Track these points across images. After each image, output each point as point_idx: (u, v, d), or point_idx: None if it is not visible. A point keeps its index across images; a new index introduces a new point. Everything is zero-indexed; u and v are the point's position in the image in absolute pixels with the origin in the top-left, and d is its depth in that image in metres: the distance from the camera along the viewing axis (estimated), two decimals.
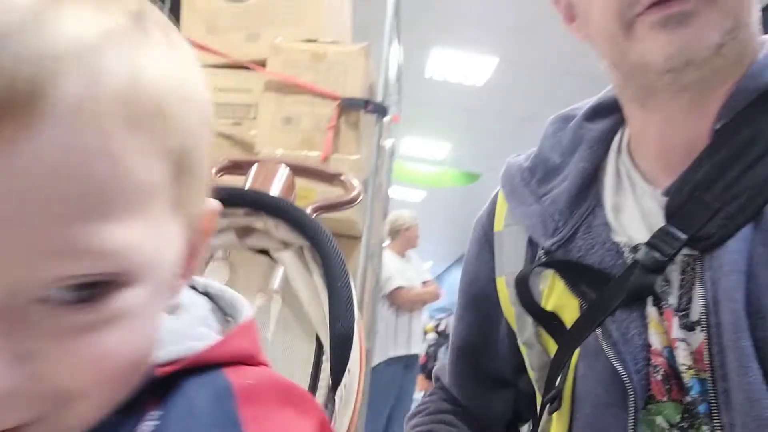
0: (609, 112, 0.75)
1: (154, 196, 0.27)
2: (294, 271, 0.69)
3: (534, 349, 0.74)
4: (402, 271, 3.72)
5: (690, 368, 0.60)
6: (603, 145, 0.74)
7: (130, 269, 0.26)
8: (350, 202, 1.04)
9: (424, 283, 3.91)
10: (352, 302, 0.64)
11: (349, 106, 1.74)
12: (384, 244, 3.74)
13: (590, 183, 0.72)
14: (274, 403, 0.33)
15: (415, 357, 3.85)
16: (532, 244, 0.74)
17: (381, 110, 1.82)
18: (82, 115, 0.23)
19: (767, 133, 0.59)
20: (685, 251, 0.61)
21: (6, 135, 0.21)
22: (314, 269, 0.68)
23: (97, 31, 0.24)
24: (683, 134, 0.65)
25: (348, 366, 0.60)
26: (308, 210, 0.90)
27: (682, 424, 0.60)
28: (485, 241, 0.82)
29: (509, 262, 0.76)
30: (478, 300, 0.82)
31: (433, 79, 5.89)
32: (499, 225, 0.79)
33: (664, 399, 0.61)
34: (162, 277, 0.29)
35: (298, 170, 1.00)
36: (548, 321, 0.70)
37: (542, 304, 0.71)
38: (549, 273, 0.70)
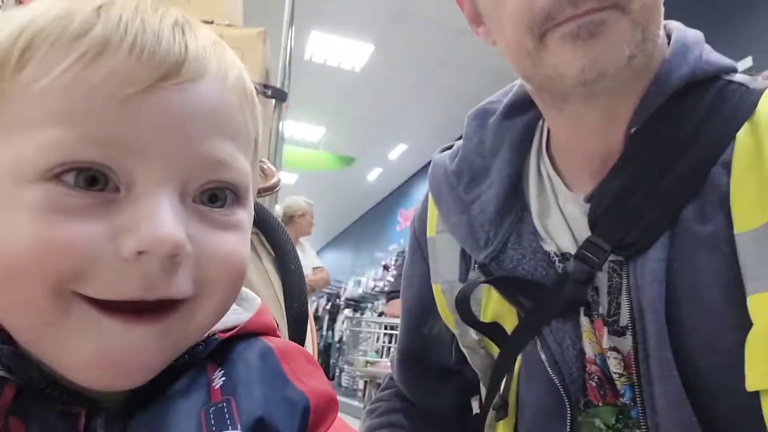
0: (527, 107, 0.75)
1: (249, 152, 0.39)
2: None
3: (477, 353, 0.76)
4: None
5: (621, 375, 0.63)
6: (524, 145, 0.75)
7: (243, 187, 0.37)
8: (272, 189, 1.07)
9: (314, 269, 3.91)
10: (304, 284, 0.69)
11: None
12: None
13: (515, 188, 0.72)
14: (301, 360, 0.41)
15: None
16: (465, 254, 0.74)
17: (280, 95, 1.83)
18: (224, 82, 0.36)
19: (678, 136, 0.61)
20: (611, 257, 0.63)
21: (188, 80, 0.34)
22: (264, 255, 0.71)
23: (215, 38, 0.38)
24: (600, 140, 0.66)
25: (305, 344, 0.66)
26: None
27: (618, 426, 0.64)
28: (418, 246, 0.82)
29: (444, 270, 0.77)
30: (416, 303, 0.83)
31: (312, 61, 5.88)
32: (431, 230, 0.79)
33: (600, 404, 0.65)
34: (250, 218, 0.39)
35: None
36: (490, 331, 0.72)
37: (481, 315, 0.73)
38: (485, 285, 0.71)
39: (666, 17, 0.65)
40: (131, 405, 0.35)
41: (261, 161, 1.12)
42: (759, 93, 0.61)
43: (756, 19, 3.29)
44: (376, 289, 7.97)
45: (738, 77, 0.64)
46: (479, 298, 0.72)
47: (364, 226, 11.56)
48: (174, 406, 0.35)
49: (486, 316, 0.72)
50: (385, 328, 5.69)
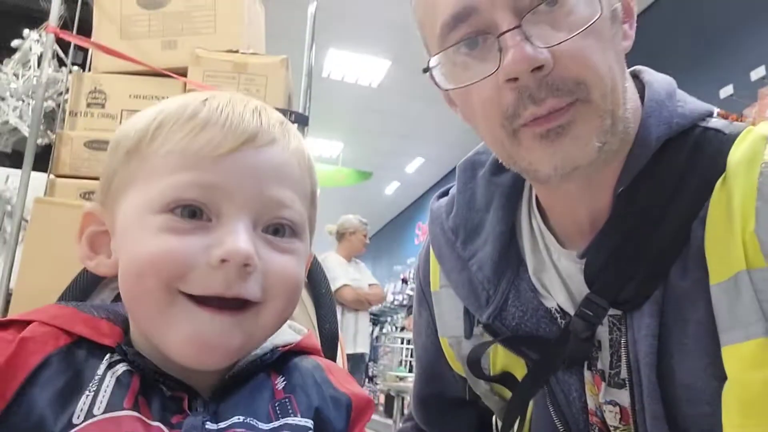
0: None
1: (307, 202, 0.53)
2: None
3: (490, 399, 0.79)
4: (347, 272, 3.78)
5: (617, 428, 0.66)
6: (514, 200, 0.76)
7: (301, 226, 0.51)
8: None
9: (370, 285, 3.99)
10: (334, 306, 0.75)
11: None
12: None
13: (509, 244, 0.74)
14: (342, 373, 0.56)
15: (361, 356, 3.89)
16: (468, 311, 0.75)
17: (302, 120, 1.90)
18: (287, 148, 0.51)
19: (661, 194, 0.62)
20: (610, 312, 0.65)
21: (262, 144, 0.49)
22: None
23: (282, 119, 0.53)
24: (586, 205, 0.67)
25: (336, 361, 0.71)
26: None
27: None
28: (423, 299, 0.84)
29: (450, 325, 0.79)
30: (426, 351, 0.85)
31: (330, 78, 5.99)
32: (435, 285, 0.81)
33: None
34: (306, 251, 0.52)
35: None
36: (501, 380, 0.75)
37: (491, 367, 0.75)
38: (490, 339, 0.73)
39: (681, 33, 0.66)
40: (219, 395, 0.48)
41: None
42: (733, 140, 0.62)
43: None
44: (395, 302, 7.99)
45: (713, 123, 0.66)
46: (487, 352, 0.74)
47: (383, 240, 11.61)
48: (250, 397, 0.48)
49: (495, 368, 0.75)
50: (407, 343, 5.70)
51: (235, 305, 0.46)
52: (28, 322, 0.47)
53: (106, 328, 0.49)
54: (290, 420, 0.47)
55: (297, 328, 0.59)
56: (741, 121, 0.68)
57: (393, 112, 6.74)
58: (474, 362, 0.72)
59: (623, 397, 0.64)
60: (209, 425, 0.45)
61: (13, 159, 2.16)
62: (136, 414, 0.44)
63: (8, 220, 2.05)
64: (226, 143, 0.47)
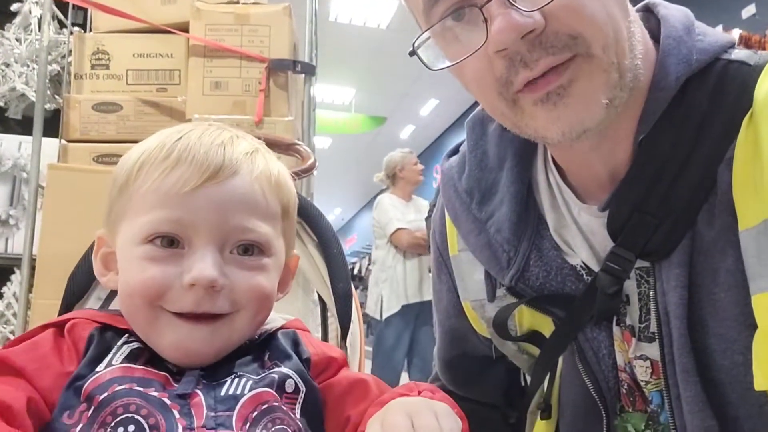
0: None
1: (276, 220, 0.59)
2: None
3: (518, 358, 0.78)
4: (403, 214, 3.45)
5: (648, 383, 0.65)
6: (528, 156, 0.73)
7: (267, 244, 0.57)
8: (309, 170, 1.12)
9: None
10: (346, 265, 0.75)
11: (277, 68, 1.76)
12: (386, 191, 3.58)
13: (527, 202, 0.71)
14: (314, 340, 0.64)
15: (429, 303, 3.70)
16: (490, 274, 0.73)
17: (309, 69, 1.86)
18: (252, 178, 0.57)
19: (684, 138, 0.60)
20: (637, 264, 0.63)
21: (224, 178, 0.55)
22: (308, 241, 0.77)
23: (252, 147, 0.59)
24: (604, 159, 0.64)
25: (351, 318, 0.72)
26: None
27: (647, 431, 0.66)
28: (442, 263, 0.82)
29: (471, 289, 0.76)
30: (448, 316, 0.83)
31: (338, 22, 5.84)
32: (453, 249, 0.79)
33: (631, 409, 0.67)
34: (278, 262, 0.59)
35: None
36: (528, 339, 0.73)
37: (517, 327, 0.74)
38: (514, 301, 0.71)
39: None
40: (215, 367, 0.56)
41: (297, 144, 1.18)
42: (759, 71, 0.58)
43: None
44: None
45: (736, 54, 0.61)
46: (513, 313, 0.72)
47: None
48: (242, 367, 0.56)
49: (522, 328, 0.73)
50: None
51: (211, 316, 0.54)
52: (64, 322, 0.56)
53: (121, 320, 0.57)
54: (276, 370, 0.56)
55: (286, 317, 0.65)
56: (765, 41, 0.63)
57: (404, 54, 6.57)
58: (500, 325, 0.71)
59: (653, 350, 0.63)
60: (205, 380, 0.54)
61: (24, 125, 2.16)
62: (145, 368, 0.54)
63: (25, 187, 2.07)
64: (191, 181, 0.54)
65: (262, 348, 0.59)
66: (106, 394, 0.49)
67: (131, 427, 0.48)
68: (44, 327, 0.56)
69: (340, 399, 0.57)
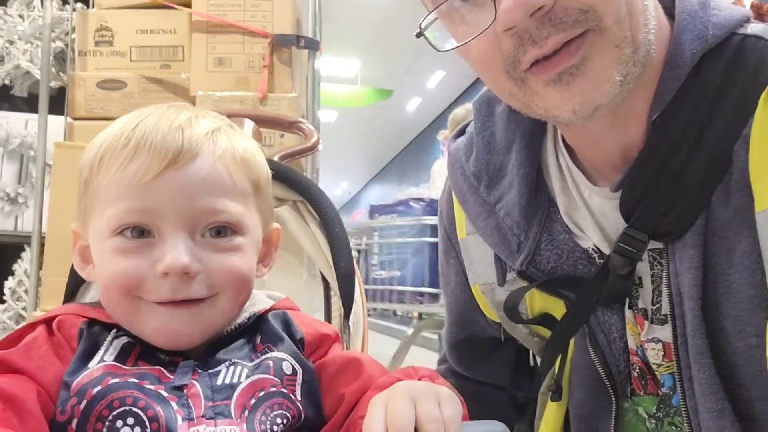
0: None
1: (247, 197, 0.57)
2: (293, 223, 0.78)
3: (529, 341, 0.77)
4: None
5: (660, 366, 0.64)
6: (537, 137, 0.71)
7: (239, 224, 0.56)
8: (312, 149, 1.12)
9: None
10: (349, 244, 0.76)
11: (281, 43, 1.75)
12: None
13: (537, 185, 0.69)
14: (306, 318, 0.63)
15: None
16: (500, 258, 0.72)
17: (313, 44, 1.85)
18: (215, 158, 0.55)
19: (699, 115, 0.58)
20: (650, 245, 0.62)
21: (185, 162, 0.53)
22: (310, 220, 0.77)
23: (213, 126, 0.57)
24: (616, 138, 0.63)
25: (354, 297, 0.73)
26: (275, 159, 0.98)
27: (658, 414, 0.65)
28: (450, 247, 0.81)
29: (480, 273, 0.75)
30: (456, 300, 0.82)
31: None
32: (461, 233, 0.77)
33: (642, 393, 0.67)
34: (254, 239, 0.58)
35: (259, 121, 1.06)
36: (540, 322, 0.72)
37: (528, 310, 0.72)
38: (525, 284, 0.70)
39: None
40: (208, 355, 0.55)
41: (300, 122, 1.18)
42: None
43: None
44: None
45: (752, 29, 0.60)
46: (524, 297, 0.71)
47: (407, 159, 11.56)
48: (234, 352, 0.56)
49: (533, 311, 0.72)
50: None
51: (191, 301, 0.53)
52: (51, 319, 0.56)
53: (107, 315, 0.56)
54: (269, 355, 0.56)
55: (275, 296, 0.65)
56: None
57: (410, 25, 6.50)
58: (511, 309, 0.70)
59: (665, 333, 0.63)
60: (201, 370, 0.54)
61: (30, 103, 2.16)
62: (138, 363, 0.54)
63: (33, 165, 2.09)
64: (151, 170, 0.52)
65: (253, 331, 0.58)
66: (99, 387, 0.49)
67: (130, 420, 0.48)
68: (32, 325, 0.55)
69: (333, 378, 0.57)
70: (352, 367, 0.57)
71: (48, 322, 0.55)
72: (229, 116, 0.65)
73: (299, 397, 0.54)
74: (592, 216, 0.66)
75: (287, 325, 0.60)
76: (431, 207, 3.00)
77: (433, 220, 2.74)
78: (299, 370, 0.56)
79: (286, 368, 0.55)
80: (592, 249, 0.67)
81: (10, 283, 2.00)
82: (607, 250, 0.65)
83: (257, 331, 0.59)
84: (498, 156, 0.72)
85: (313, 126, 1.15)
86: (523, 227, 0.69)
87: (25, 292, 1.95)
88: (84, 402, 0.48)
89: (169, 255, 0.51)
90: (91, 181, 0.55)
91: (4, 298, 1.99)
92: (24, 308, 1.92)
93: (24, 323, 0.57)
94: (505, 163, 0.71)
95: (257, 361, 0.55)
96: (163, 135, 0.53)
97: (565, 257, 0.68)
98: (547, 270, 0.68)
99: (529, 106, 0.59)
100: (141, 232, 0.53)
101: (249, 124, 0.99)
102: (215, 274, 0.54)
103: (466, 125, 0.79)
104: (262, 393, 0.52)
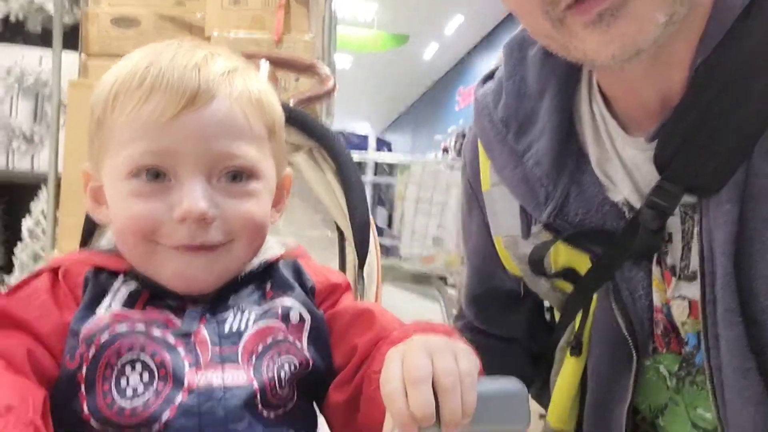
0: None
1: (262, 141, 0.56)
2: (308, 171, 0.77)
3: (550, 296, 0.75)
4: None
5: (685, 323, 0.63)
6: (571, 83, 0.68)
7: (255, 169, 0.55)
8: (328, 93, 1.10)
9: None
10: (365, 193, 0.75)
11: None
12: None
13: (568, 135, 0.67)
14: (316, 266, 0.63)
15: None
16: (525, 210, 0.70)
17: None
18: (232, 100, 0.53)
19: (747, 63, 0.56)
20: (683, 200, 0.60)
21: (202, 104, 0.52)
22: (326, 168, 0.76)
23: (230, 66, 0.55)
24: (655, 85, 0.61)
25: (369, 248, 0.72)
26: (290, 104, 0.96)
27: (680, 373, 0.65)
28: (474, 198, 0.79)
29: (504, 224, 0.73)
30: (478, 253, 0.81)
31: None
32: (486, 184, 0.75)
33: (664, 351, 0.66)
34: (269, 184, 0.57)
35: (275, 62, 1.04)
36: (563, 276, 0.70)
37: (552, 264, 0.70)
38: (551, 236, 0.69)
39: None
40: (216, 300, 0.55)
41: (316, 65, 1.15)
42: None
43: None
44: None
45: None
46: (548, 250, 0.70)
47: (422, 108, 11.39)
48: (243, 299, 0.56)
49: (557, 265, 0.70)
50: None
51: (207, 247, 0.53)
52: (57, 267, 0.55)
53: (117, 260, 0.56)
54: (278, 302, 0.56)
55: (288, 244, 0.65)
56: None
57: None
58: (536, 262, 0.69)
59: (693, 290, 0.61)
60: (208, 315, 0.54)
61: (45, 38, 2.13)
62: (145, 309, 0.54)
63: (48, 103, 2.08)
64: (168, 110, 0.51)
65: (263, 278, 0.58)
66: (107, 335, 0.49)
67: (138, 366, 0.48)
68: (39, 273, 0.55)
69: (345, 329, 0.57)
70: (365, 317, 0.57)
71: (54, 270, 0.55)
72: (245, 58, 0.63)
73: (306, 345, 0.55)
74: (625, 168, 0.64)
75: (298, 273, 0.60)
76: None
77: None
78: (307, 318, 0.56)
79: (294, 316, 0.55)
80: (623, 203, 0.65)
81: (27, 223, 2.03)
82: (638, 204, 0.64)
83: (267, 279, 0.58)
84: (529, 102, 0.70)
85: (328, 70, 1.13)
86: (552, 178, 0.67)
87: (43, 231, 1.98)
88: (92, 350, 0.49)
89: (186, 200, 0.51)
90: (105, 120, 0.54)
91: (23, 237, 2.02)
92: (42, 248, 1.95)
93: (40, 264, 0.58)
94: (536, 110, 0.69)
95: (265, 307, 0.55)
96: (180, 74, 0.52)
97: (594, 210, 0.66)
98: (574, 223, 0.67)
99: (567, 49, 0.57)
100: (156, 174, 0.52)
101: (265, 66, 0.97)
102: (231, 220, 0.53)
103: (494, 70, 0.76)
104: (270, 339, 0.53)
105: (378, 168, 2.49)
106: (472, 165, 0.78)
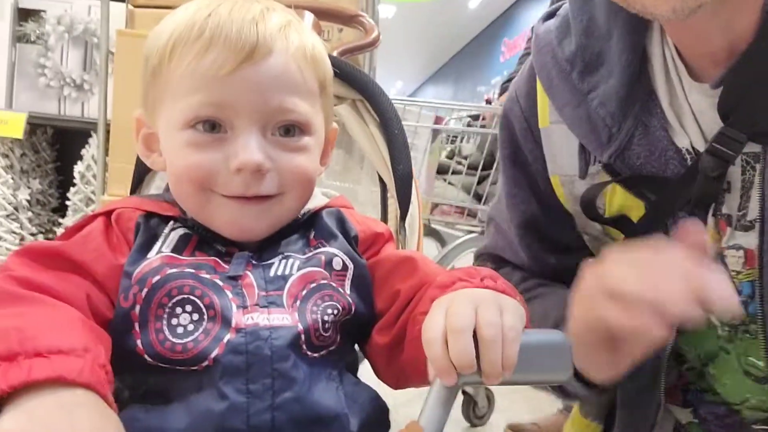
0: None
1: (314, 96, 0.58)
2: (351, 122, 0.78)
3: (599, 241, 0.74)
4: None
5: (739, 273, 0.63)
6: (643, 22, 0.65)
7: (307, 123, 0.57)
8: (372, 44, 1.09)
9: None
10: (407, 146, 0.75)
11: None
12: None
13: (639, 74, 0.65)
14: (359, 216, 0.65)
15: None
16: (584, 149, 0.69)
17: None
18: (288, 55, 0.55)
19: None
20: (746, 148, 0.59)
21: (260, 58, 0.53)
22: (369, 120, 0.77)
23: (285, 21, 0.56)
24: (723, 32, 0.59)
25: (411, 199, 0.73)
26: (334, 54, 0.96)
27: (732, 322, 0.64)
28: (529, 131, 0.76)
29: (562, 163, 0.72)
30: (531, 183, 0.78)
31: None
32: (544, 121, 0.73)
33: None
34: (318, 139, 0.59)
35: (319, 13, 1.03)
36: (616, 222, 0.69)
37: (606, 208, 0.69)
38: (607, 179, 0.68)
39: None
40: (262, 247, 0.58)
41: (361, 15, 1.14)
42: None
43: None
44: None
45: None
46: (603, 191, 0.69)
47: (466, 59, 11.13)
48: (289, 246, 0.59)
49: (611, 210, 0.69)
50: None
51: (260, 197, 0.55)
52: (110, 211, 0.58)
53: (167, 207, 0.59)
54: (322, 250, 0.58)
55: (330, 194, 0.67)
56: None
57: None
58: (588, 202, 0.68)
59: (749, 239, 0.61)
60: (255, 261, 0.56)
61: None
62: (195, 253, 0.56)
63: (97, 52, 2.12)
64: (227, 63, 0.52)
65: (307, 227, 0.60)
66: (158, 277, 0.52)
67: (188, 307, 0.51)
68: (93, 216, 0.58)
69: (388, 275, 0.59)
70: (407, 264, 0.59)
71: (108, 214, 0.57)
72: (288, 8, 0.64)
73: (348, 291, 0.57)
74: (692, 113, 0.63)
75: (341, 222, 0.62)
76: None
77: None
78: (350, 265, 0.58)
79: (337, 263, 0.57)
80: (686, 150, 0.64)
81: (79, 168, 2.10)
82: (703, 150, 0.62)
83: (311, 227, 0.60)
84: (597, 42, 0.68)
85: (372, 21, 1.11)
86: (618, 119, 0.65)
87: (93, 176, 2.05)
88: (145, 290, 0.51)
89: (242, 152, 0.52)
90: (161, 70, 0.55)
91: (75, 181, 2.10)
92: (93, 192, 2.03)
93: (92, 207, 0.61)
94: (605, 49, 0.67)
95: (309, 254, 0.57)
96: (238, 28, 0.53)
97: (657, 155, 0.65)
98: (635, 166, 0.66)
99: (628, 3, 0.56)
100: (213, 126, 0.54)
101: (309, 17, 0.97)
102: (285, 173, 0.55)
103: (556, 9, 0.74)
104: (313, 284, 0.55)
105: None
106: (528, 100, 0.75)
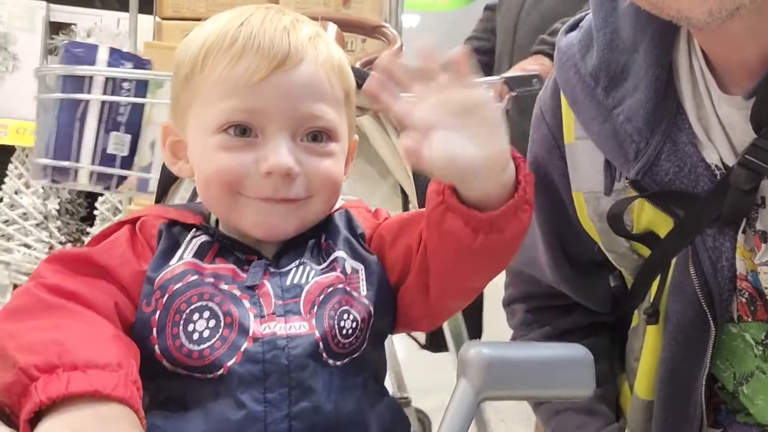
0: None
1: (340, 105, 0.59)
2: (374, 133, 0.77)
3: (626, 258, 0.72)
4: None
5: None
6: (670, 36, 0.64)
7: (334, 130, 0.58)
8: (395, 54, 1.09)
9: None
10: None
11: None
12: None
13: (666, 89, 0.64)
14: (366, 215, 0.65)
15: None
16: (610, 164, 0.68)
17: None
18: (318, 64, 0.57)
19: None
20: None
21: (292, 66, 0.55)
22: (391, 131, 0.76)
23: (314, 32, 0.59)
24: (758, 41, 0.57)
25: None
26: (357, 65, 0.96)
27: (767, 341, 0.63)
28: (555, 146, 0.74)
29: (586, 180, 0.70)
30: (553, 201, 0.76)
31: None
32: (569, 137, 0.72)
33: (750, 319, 0.63)
34: (343, 146, 0.60)
35: (342, 24, 1.03)
36: (642, 239, 0.68)
37: (634, 224, 0.68)
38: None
39: None
40: (280, 254, 0.58)
41: (383, 26, 1.14)
42: None
43: None
44: None
45: None
46: (630, 207, 0.67)
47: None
48: (305, 252, 0.59)
49: (639, 226, 0.68)
50: None
51: (290, 200, 0.56)
52: (135, 219, 0.60)
53: (189, 215, 0.60)
54: (334, 255, 0.59)
55: (348, 199, 0.68)
56: None
57: None
58: (615, 217, 0.66)
59: None
60: (272, 269, 0.57)
61: (121, 2, 2.21)
62: (214, 262, 0.58)
63: None
64: (259, 71, 0.54)
65: (319, 231, 0.61)
66: (180, 284, 0.53)
67: (206, 313, 0.52)
68: (119, 225, 0.59)
69: (396, 237, 0.60)
70: (413, 219, 0.59)
71: (133, 222, 0.59)
72: (313, 19, 0.65)
73: (364, 292, 0.57)
74: (721, 127, 0.62)
75: (349, 221, 0.62)
76: None
77: None
78: (360, 267, 0.59)
79: (349, 267, 0.58)
80: (716, 165, 0.62)
81: None
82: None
83: (323, 231, 0.61)
84: (622, 56, 0.66)
85: (396, 31, 1.11)
86: (645, 135, 0.64)
87: None
88: (166, 296, 0.52)
89: (273, 156, 0.54)
90: (193, 77, 0.57)
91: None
92: (120, 201, 2.06)
93: (119, 216, 0.62)
94: (630, 63, 0.65)
95: (324, 259, 0.58)
96: (271, 37, 0.55)
97: (686, 171, 0.63)
98: (663, 182, 0.64)
99: (658, 7, 0.55)
100: (243, 131, 0.55)
101: (332, 28, 0.97)
102: (313, 177, 0.56)
103: (579, 20, 0.72)
104: (330, 290, 0.56)
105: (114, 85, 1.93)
106: (553, 116, 0.74)
